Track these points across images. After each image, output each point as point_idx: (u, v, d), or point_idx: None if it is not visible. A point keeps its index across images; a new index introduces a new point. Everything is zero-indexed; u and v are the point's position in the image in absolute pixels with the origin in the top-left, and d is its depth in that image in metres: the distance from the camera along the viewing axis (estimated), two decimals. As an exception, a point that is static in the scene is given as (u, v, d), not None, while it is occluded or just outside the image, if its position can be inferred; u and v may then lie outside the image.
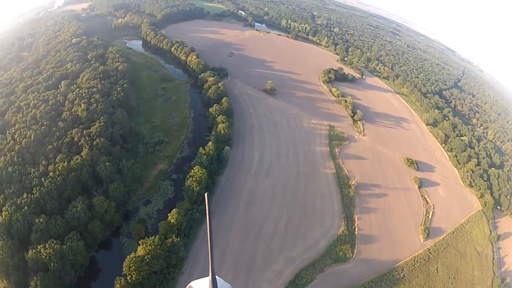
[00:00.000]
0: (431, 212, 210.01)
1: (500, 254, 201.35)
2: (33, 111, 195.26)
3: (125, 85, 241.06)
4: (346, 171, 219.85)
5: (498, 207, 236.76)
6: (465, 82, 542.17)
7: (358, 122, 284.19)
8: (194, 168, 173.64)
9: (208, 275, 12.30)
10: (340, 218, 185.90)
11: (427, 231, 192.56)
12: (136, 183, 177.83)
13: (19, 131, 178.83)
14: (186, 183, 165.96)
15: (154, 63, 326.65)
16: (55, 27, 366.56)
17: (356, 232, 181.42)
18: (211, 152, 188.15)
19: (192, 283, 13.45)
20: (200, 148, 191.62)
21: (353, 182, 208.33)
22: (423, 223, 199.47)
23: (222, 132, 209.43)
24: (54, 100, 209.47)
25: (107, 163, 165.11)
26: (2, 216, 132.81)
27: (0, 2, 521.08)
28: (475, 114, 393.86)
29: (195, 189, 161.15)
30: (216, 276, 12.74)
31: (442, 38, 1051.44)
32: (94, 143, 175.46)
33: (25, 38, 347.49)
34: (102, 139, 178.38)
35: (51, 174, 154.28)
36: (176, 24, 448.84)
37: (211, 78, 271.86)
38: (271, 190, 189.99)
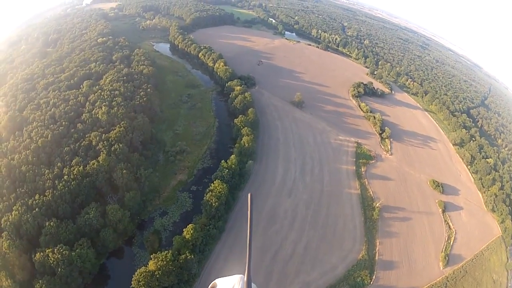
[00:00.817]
0: (452, 238, 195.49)
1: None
2: (52, 109, 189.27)
3: (148, 89, 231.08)
4: (371, 192, 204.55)
5: None
6: (491, 100, 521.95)
7: (386, 140, 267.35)
8: (214, 182, 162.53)
9: (238, 274, 11.36)
10: (362, 242, 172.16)
11: (447, 258, 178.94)
12: (154, 192, 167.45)
13: (37, 129, 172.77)
14: (205, 198, 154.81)
15: (180, 68, 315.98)
16: (82, 25, 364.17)
17: (377, 258, 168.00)
18: (233, 166, 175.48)
19: (217, 281, 12.00)
20: (223, 160, 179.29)
21: (377, 205, 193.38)
22: (443, 249, 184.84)
23: (247, 145, 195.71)
24: (74, 100, 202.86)
25: (124, 171, 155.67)
26: (12, 215, 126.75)
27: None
28: (500, 135, 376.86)
29: (213, 204, 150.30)
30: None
31: (469, 53, 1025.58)
32: (113, 148, 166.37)
33: (50, 34, 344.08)
34: (121, 145, 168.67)
35: (65, 177, 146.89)
36: (205, 29, 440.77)
37: (238, 87, 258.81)
38: (292, 209, 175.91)
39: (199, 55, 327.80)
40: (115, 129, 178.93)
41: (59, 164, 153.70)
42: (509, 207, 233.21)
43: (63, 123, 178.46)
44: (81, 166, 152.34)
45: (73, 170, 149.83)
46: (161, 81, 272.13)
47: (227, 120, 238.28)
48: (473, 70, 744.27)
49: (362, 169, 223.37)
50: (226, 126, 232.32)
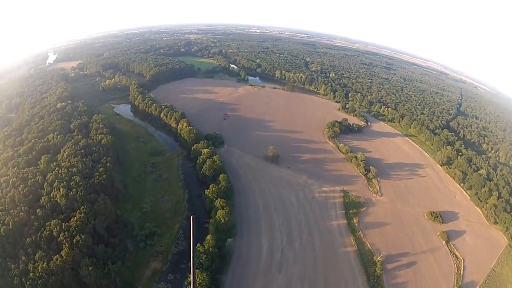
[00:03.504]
0: (462, 267, 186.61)
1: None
2: (11, 191, 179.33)
3: (108, 164, 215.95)
4: (368, 245, 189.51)
5: None
6: (466, 105, 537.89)
7: (373, 180, 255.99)
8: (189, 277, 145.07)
9: None
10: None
11: None
12: (128, 287, 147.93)
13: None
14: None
15: (142, 132, 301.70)
16: (43, 88, 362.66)
17: None
18: (211, 248, 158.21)
19: None
20: (198, 244, 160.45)
21: (378, 258, 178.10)
22: (455, 283, 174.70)
23: (223, 220, 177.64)
24: (33, 180, 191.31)
25: (90, 267, 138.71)
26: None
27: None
28: (484, 139, 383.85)
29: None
30: None
31: (433, 63, 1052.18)
32: (75, 240, 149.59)
33: (13, 97, 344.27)
34: (83, 236, 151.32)
35: (31, 274, 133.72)
36: (166, 84, 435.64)
37: (205, 150, 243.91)
38: (286, 287, 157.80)
39: (161, 116, 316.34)
40: (75, 215, 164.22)
41: (23, 258, 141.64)
42: (511, 214, 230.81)
43: (23, 208, 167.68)
44: (45, 262, 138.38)
45: (38, 266, 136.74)
46: (123, 150, 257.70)
47: (198, 190, 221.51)
48: (441, 80, 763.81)
49: (354, 221, 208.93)
50: (197, 198, 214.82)
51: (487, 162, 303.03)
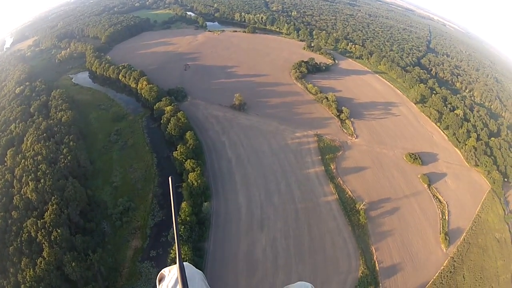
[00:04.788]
0: (446, 212, 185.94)
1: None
2: None
3: (71, 142, 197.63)
4: (349, 192, 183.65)
5: (506, 179, 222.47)
6: (436, 42, 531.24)
7: (347, 121, 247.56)
8: (173, 247, 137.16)
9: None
10: (357, 256, 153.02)
11: (447, 237, 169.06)
12: (113, 273, 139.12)
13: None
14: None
15: (103, 98, 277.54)
16: (1, 75, 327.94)
17: (377, 267, 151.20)
18: (188, 218, 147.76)
19: (163, 270, 12.98)
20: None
21: (361, 206, 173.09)
22: (441, 229, 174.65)
23: (195, 183, 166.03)
24: (2, 180, 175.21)
25: (73, 263, 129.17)
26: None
27: None
28: (457, 77, 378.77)
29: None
30: (185, 263, 12.10)
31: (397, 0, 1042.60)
32: (52, 237, 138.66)
33: None
34: (59, 230, 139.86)
35: (22, 286, 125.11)
36: (122, 43, 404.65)
37: (168, 108, 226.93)
38: (270, 246, 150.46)
39: (120, 77, 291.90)
40: (48, 208, 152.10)
41: (11, 269, 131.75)
42: (492, 157, 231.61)
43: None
44: (31, 269, 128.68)
45: (26, 276, 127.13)
46: (85, 123, 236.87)
47: (166, 151, 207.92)
48: (407, 16, 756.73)
49: (332, 167, 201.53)
50: (167, 160, 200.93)
51: (462, 102, 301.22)
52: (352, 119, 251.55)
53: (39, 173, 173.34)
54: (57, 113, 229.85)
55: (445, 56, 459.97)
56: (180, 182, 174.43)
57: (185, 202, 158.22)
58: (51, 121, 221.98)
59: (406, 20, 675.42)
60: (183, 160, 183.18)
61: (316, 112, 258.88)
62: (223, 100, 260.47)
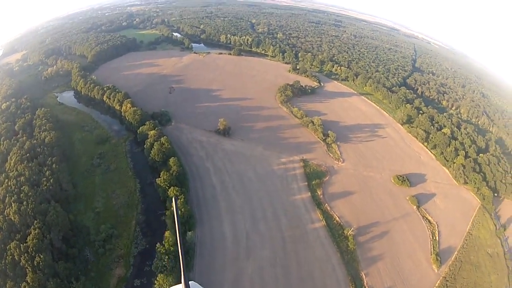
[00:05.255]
0: (436, 232, 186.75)
1: (509, 244, 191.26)
2: None
3: (54, 165, 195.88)
4: (337, 218, 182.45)
5: (496, 194, 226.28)
6: (421, 60, 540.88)
7: (333, 145, 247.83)
8: (158, 277, 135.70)
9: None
10: (347, 283, 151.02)
11: (438, 258, 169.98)
12: None
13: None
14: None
15: (87, 119, 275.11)
16: None
17: None
18: (171, 247, 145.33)
19: None
20: (158, 244, 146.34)
21: (349, 232, 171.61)
22: (432, 250, 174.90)
23: (179, 212, 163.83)
24: None
25: None
26: None
27: None
28: (443, 95, 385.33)
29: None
30: (191, 282, 13.27)
31: (381, 19, 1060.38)
32: (35, 262, 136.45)
33: None
34: (42, 256, 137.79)
35: None
36: (108, 62, 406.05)
37: (152, 132, 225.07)
38: (257, 275, 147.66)
39: (104, 98, 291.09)
40: (30, 232, 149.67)
41: None
42: (481, 174, 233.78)
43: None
44: None
45: None
46: (69, 144, 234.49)
47: (150, 177, 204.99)
48: (392, 35, 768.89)
49: (319, 192, 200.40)
50: (150, 186, 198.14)
51: (449, 120, 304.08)
52: (338, 143, 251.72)
53: (21, 194, 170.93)
54: (41, 133, 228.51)
55: (430, 74, 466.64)
56: (164, 210, 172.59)
57: (168, 231, 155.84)
58: (35, 141, 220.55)
59: (391, 39, 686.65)
60: (167, 188, 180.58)
61: (302, 136, 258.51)
62: (208, 124, 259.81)
